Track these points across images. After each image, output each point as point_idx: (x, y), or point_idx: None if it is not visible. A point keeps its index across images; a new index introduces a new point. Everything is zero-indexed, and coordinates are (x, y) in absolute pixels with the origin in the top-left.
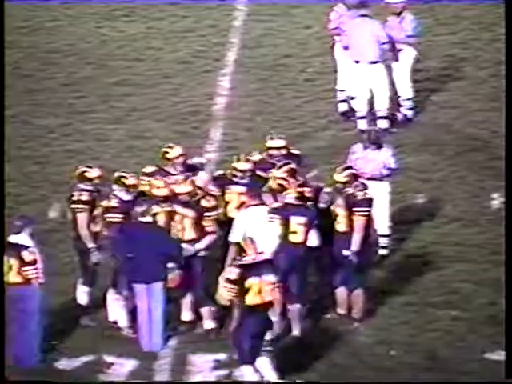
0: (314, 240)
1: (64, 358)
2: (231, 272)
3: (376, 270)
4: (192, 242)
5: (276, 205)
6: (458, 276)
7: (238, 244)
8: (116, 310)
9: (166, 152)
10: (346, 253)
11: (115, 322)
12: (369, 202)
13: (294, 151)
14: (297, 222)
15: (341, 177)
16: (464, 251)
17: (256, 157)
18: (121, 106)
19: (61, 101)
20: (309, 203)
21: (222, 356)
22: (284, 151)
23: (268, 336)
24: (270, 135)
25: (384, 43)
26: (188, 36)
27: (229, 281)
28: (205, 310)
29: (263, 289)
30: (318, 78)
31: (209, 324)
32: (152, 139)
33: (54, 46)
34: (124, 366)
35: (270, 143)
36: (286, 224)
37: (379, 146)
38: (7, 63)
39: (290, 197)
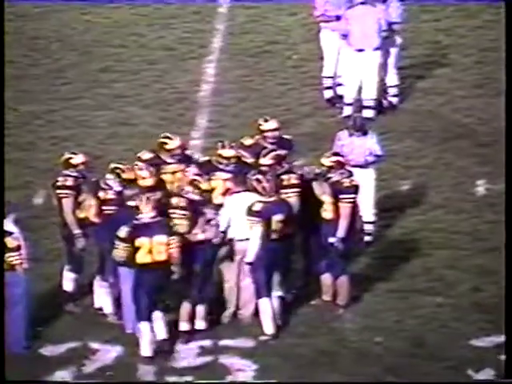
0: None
1: (49, 345)
2: (122, 230)
3: (361, 257)
4: None
5: (258, 207)
6: (442, 262)
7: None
8: (101, 296)
9: (165, 143)
10: (331, 240)
11: (100, 309)
12: (355, 189)
13: (285, 136)
14: (277, 220)
15: (327, 161)
16: (449, 238)
17: (248, 141)
18: (106, 93)
19: (46, 87)
20: (296, 190)
21: (206, 343)
22: (277, 133)
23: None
24: (264, 117)
25: (384, 30)
26: (172, 22)
27: (120, 239)
28: (200, 309)
29: (154, 248)
30: (303, 65)
31: (200, 324)
32: (137, 126)
33: (39, 32)
34: (109, 352)
35: (264, 125)
36: (267, 224)
37: (364, 133)
38: None
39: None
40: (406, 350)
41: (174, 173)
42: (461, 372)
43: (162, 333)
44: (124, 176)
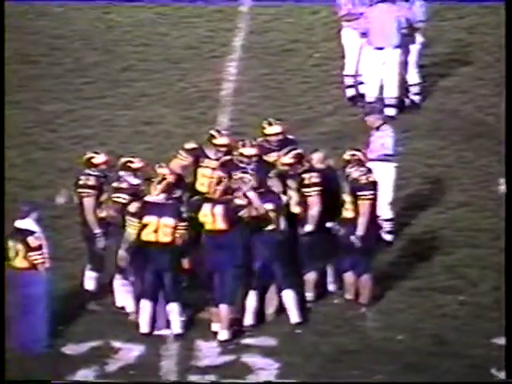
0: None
1: (71, 344)
2: (132, 206)
3: (383, 255)
4: None
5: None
6: (464, 261)
7: None
8: (123, 295)
9: (214, 136)
10: (352, 237)
11: (122, 308)
12: (373, 186)
13: (289, 136)
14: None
15: (347, 155)
16: (471, 236)
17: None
18: (128, 92)
19: (67, 86)
20: (317, 188)
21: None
22: (281, 137)
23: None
24: (267, 120)
25: (404, 27)
26: (195, 21)
27: (130, 214)
28: (223, 308)
29: (160, 229)
30: (324, 64)
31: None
32: (160, 125)
33: (61, 31)
34: (131, 351)
35: (268, 129)
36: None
37: (377, 128)
38: (13, 48)
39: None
40: (428, 348)
41: (213, 169)
42: (483, 370)
43: (176, 327)
44: (134, 166)
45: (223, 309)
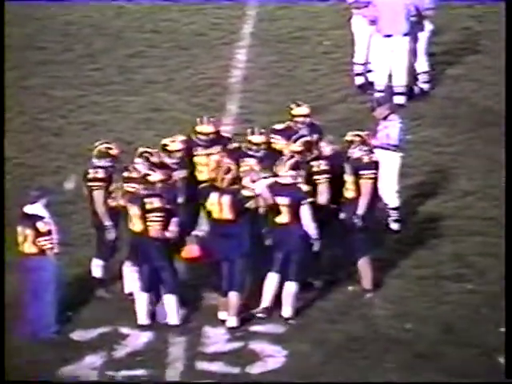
0: (306, 220)
1: (79, 330)
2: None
3: (391, 243)
4: None
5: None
6: (473, 249)
7: None
8: (131, 282)
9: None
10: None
11: (131, 294)
12: (375, 165)
13: (315, 122)
14: (282, 203)
15: (349, 136)
16: (479, 224)
17: (279, 126)
18: (137, 78)
19: (77, 72)
20: (326, 176)
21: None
22: (308, 119)
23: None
24: (295, 102)
25: (413, 15)
26: (204, 8)
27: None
28: (232, 296)
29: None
30: (334, 51)
31: (231, 320)
32: (168, 111)
33: (71, 17)
34: (139, 337)
35: (296, 110)
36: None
37: (385, 117)
38: (21, 36)
39: (282, 175)
40: (436, 336)
41: (208, 155)
42: (491, 359)
43: (173, 318)
44: (152, 160)
45: (232, 296)
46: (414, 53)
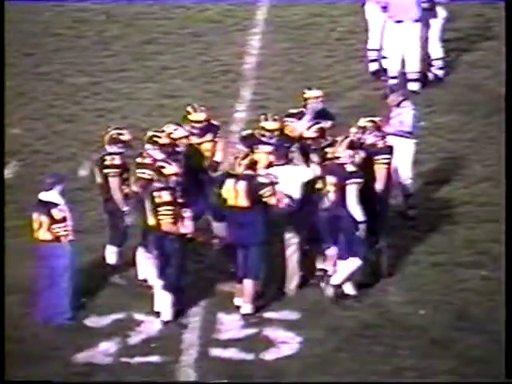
0: (350, 201)
1: (93, 316)
2: None
3: (406, 230)
4: None
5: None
6: (487, 236)
7: None
8: (146, 268)
9: (189, 113)
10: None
11: (145, 280)
12: (389, 150)
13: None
14: (329, 182)
15: (362, 122)
16: (493, 211)
17: (292, 110)
18: (151, 65)
19: (91, 59)
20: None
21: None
22: (321, 103)
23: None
24: (308, 87)
25: (424, 1)
26: None
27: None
28: (247, 283)
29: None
30: (348, 38)
31: (245, 306)
32: (182, 98)
33: (84, 4)
34: (153, 323)
35: (308, 93)
36: (324, 183)
37: (398, 104)
38: (37, 22)
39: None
40: (451, 323)
41: (200, 144)
42: (505, 345)
43: (167, 314)
44: (161, 142)
45: (247, 283)
46: (426, 39)
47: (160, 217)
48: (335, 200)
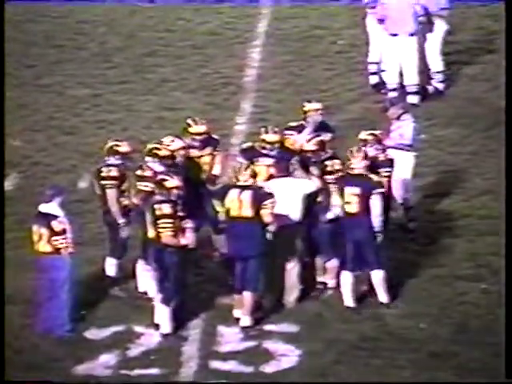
0: (375, 210)
1: (93, 328)
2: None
3: (406, 243)
4: None
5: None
6: (487, 249)
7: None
8: (145, 280)
9: (189, 125)
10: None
11: (145, 293)
12: (390, 163)
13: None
14: (350, 193)
15: (363, 135)
16: (493, 224)
17: (292, 123)
18: (151, 78)
19: (92, 71)
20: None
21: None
22: (320, 116)
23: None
24: (307, 100)
25: (420, 15)
26: (219, 7)
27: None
28: (246, 295)
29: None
30: (349, 51)
31: (244, 319)
32: (182, 111)
33: (85, 16)
34: (153, 336)
35: (307, 106)
36: (341, 194)
37: (398, 117)
38: (38, 33)
39: (353, 167)
40: (450, 336)
41: (200, 157)
42: (505, 359)
43: (166, 327)
44: (161, 154)
45: (247, 296)
46: (424, 52)
47: (160, 229)
48: (359, 211)
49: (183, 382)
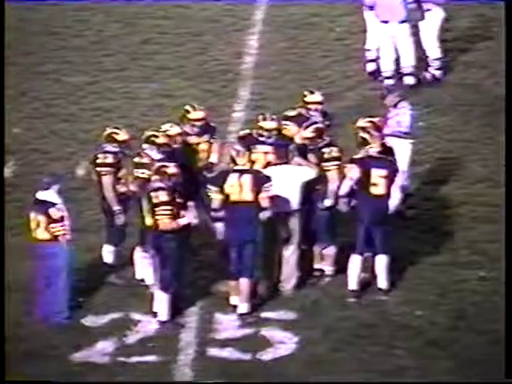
0: (395, 196)
1: (91, 315)
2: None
3: (404, 230)
4: None
5: (356, 156)
6: (485, 236)
7: None
8: (143, 267)
9: (188, 111)
10: None
11: (142, 280)
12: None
13: (325, 110)
14: (378, 175)
15: (362, 122)
16: (491, 211)
17: (291, 113)
18: (149, 65)
19: (89, 59)
20: (337, 163)
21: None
22: (320, 107)
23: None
24: (309, 90)
25: (410, 2)
26: None
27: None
28: (243, 282)
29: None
30: (346, 38)
31: (242, 306)
32: (180, 98)
33: (82, 3)
34: (151, 323)
35: (309, 97)
36: (367, 176)
37: (395, 105)
38: (37, 21)
39: (373, 150)
40: (448, 323)
41: (197, 144)
42: (503, 346)
43: (164, 314)
44: (159, 141)
45: (243, 282)
46: (418, 39)
47: (157, 216)
48: (385, 193)
49: (183, 382)
